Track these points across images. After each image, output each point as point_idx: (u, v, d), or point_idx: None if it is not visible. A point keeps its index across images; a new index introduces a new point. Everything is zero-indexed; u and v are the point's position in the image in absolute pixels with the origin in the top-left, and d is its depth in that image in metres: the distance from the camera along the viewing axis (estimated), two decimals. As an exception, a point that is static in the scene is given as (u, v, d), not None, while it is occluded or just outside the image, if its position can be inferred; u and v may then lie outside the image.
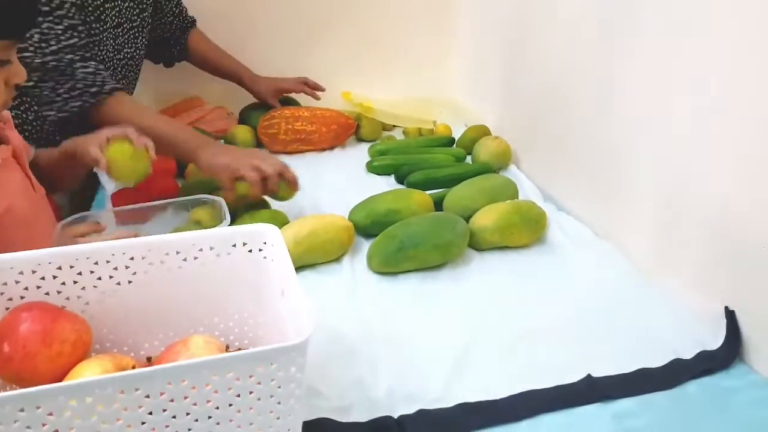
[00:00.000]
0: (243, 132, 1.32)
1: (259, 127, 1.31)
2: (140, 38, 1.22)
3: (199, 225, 0.92)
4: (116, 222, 0.90)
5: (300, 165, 1.27)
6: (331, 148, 1.35)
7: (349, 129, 1.34)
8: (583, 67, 1.07)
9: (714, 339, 0.78)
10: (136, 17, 1.18)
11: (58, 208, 1.16)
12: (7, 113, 0.84)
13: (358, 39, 1.55)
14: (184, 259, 0.65)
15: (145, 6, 1.21)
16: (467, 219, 0.99)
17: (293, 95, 1.48)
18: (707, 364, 0.75)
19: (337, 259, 0.95)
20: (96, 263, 0.62)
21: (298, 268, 0.92)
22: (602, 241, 1.02)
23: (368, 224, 0.99)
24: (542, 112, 1.22)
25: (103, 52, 1.12)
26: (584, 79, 1.07)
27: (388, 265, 0.91)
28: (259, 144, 1.33)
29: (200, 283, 0.66)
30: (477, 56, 1.53)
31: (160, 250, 0.64)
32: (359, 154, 1.35)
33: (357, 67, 1.56)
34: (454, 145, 1.37)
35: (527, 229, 0.98)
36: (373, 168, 1.26)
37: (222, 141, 1.34)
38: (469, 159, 1.31)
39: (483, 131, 1.35)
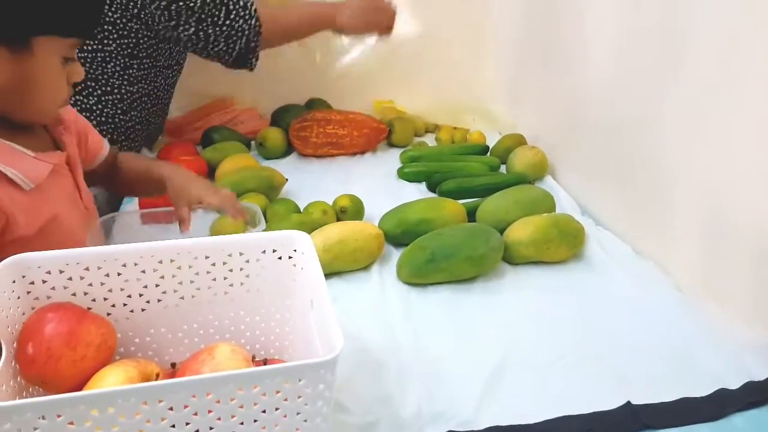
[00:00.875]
0: (274, 134, 1.31)
1: (291, 130, 1.30)
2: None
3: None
4: (143, 223, 0.89)
5: (330, 169, 1.26)
6: (362, 152, 1.33)
7: (380, 134, 1.32)
8: (626, 76, 1.03)
9: (762, 369, 0.74)
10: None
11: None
12: (70, 115, 0.84)
13: (391, 45, 1.53)
14: (213, 264, 0.63)
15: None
16: (501, 231, 0.96)
17: (325, 98, 1.47)
18: (755, 395, 0.71)
19: (366, 268, 0.93)
20: (124, 265, 0.61)
21: (326, 276, 0.89)
22: (643, 260, 0.98)
23: (399, 233, 0.97)
24: (581, 122, 1.18)
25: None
26: (627, 90, 1.03)
27: (418, 276, 0.88)
28: (290, 146, 1.32)
29: (227, 288, 0.64)
30: (512, 63, 1.50)
31: (188, 253, 0.62)
32: (390, 159, 1.32)
33: (389, 73, 1.53)
34: (488, 153, 1.34)
35: (564, 244, 0.94)
36: (404, 174, 1.23)
37: (253, 142, 1.33)
38: (503, 168, 1.27)
39: (518, 140, 1.32)
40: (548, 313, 0.85)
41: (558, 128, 1.28)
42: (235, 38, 1.07)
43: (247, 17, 1.07)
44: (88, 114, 1.09)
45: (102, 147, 0.91)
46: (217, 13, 1.03)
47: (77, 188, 0.82)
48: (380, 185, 1.21)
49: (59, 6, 0.66)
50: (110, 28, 1.05)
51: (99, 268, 0.60)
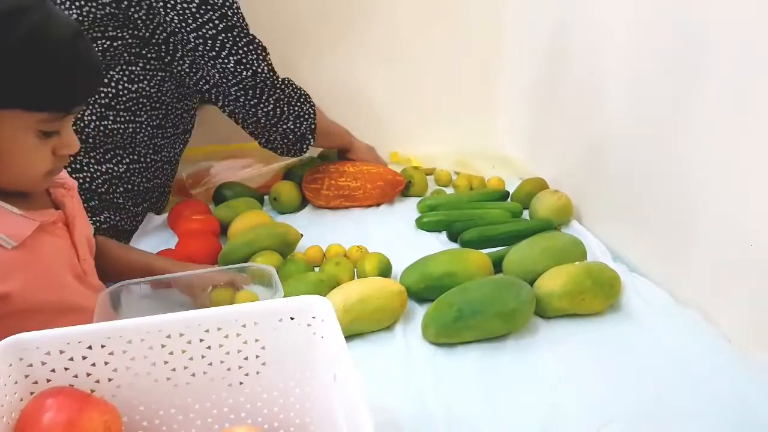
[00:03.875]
0: (288, 188, 1.27)
1: (303, 182, 1.27)
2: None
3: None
4: (152, 289, 0.85)
5: (345, 221, 1.22)
6: (377, 204, 1.28)
7: (396, 186, 1.28)
8: (648, 113, 0.99)
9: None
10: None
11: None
12: (72, 182, 0.82)
13: (403, 97, 1.52)
14: (226, 336, 0.58)
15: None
16: (531, 283, 0.90)
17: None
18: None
19: (389, 327, 0.87)
20: (129, 342, 0.56)
21: (347, 338, 0.84)
22: (685, 308, 0.91)
23: (422, 288, 0.91)
24: (604, 163, 1.13)
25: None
26: (649, 126, 0.99)
27: (445, 336, 0.82)
28: (303, 199, 1.28)
29: (242, 362, 0.59)
30: (528, 106, 1.47)
31: (198, 326, 0.57)
32: (407, 208, 1.28)
33: (403, 124, 1.52)
34: (509, 199, 1.29)
35: (600, 295, 0.88)
36: (422, 224, 1.19)
37: (266, 197, 1.30)
38: (525, 214, 1.22)
39: (540, 184, 1.27)
40: (589, 371, 0.79)
41: (580, 170, 1.23)
42: (302, 119, 1.17)
43: (310, 102, 1.19)
44: (117, 181, 1.10)
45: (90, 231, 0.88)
46: (292, 93, 1.15)
47: (75, 250, 0.79)
48: (399, 236, 1.16)
49: (20, 80, 0.63)
50: (145, 101, 1.07)
51: (103, 346, 0.55)
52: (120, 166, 1.10)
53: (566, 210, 1.18)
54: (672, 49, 0.92)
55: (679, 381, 0.77)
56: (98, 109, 1.04)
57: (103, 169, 1.08)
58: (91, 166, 1.07)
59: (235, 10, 1.04)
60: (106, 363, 0.56)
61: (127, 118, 1.07)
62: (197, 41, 1.02)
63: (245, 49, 1.05)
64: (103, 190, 1.09)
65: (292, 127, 1.16)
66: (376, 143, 1.39)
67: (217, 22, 1.01)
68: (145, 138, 1.11)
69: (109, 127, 1.06)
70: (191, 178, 1.35)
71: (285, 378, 0.60)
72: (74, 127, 0.77)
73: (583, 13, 1.18)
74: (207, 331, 0.57)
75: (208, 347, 0.58)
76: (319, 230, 1.15)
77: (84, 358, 0.55)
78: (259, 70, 1.06)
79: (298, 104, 1.16)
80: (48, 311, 0.75)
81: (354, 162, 1.28)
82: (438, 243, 1.13)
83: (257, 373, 0.59)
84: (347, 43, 1.47)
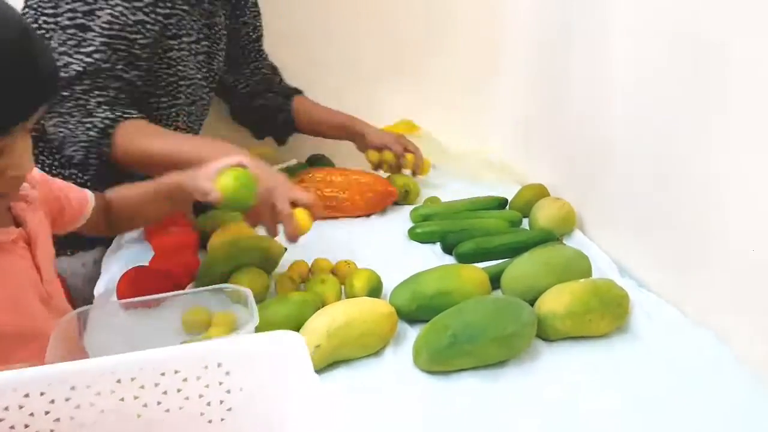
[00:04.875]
0: (272, 196, 1.20)
1: (290, 191, 1.19)
2: (204, 117, 1.19)
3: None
4: (124, 311, 0.77)
5: (332, 232, 1.14)
6: (368, 215, 1.21)
7: (387, 198, 1.21)
8: (657, 113, 0.92)
9: None
10: (206, 96, 1.16)
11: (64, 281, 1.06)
12: (41, 189, 0.76)
13: (394, 98, 1.45)
14: (184, 380, 0.51)
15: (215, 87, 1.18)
16: (531, 301, 0.83)
17: (328, 155, 1.37)
18: None
19: (378, 353, 0.80)
20: (72, 388, 0.49)
21: (332, 365, 0.78)
22: (696, 327, 0.84)
23: (414, 309, 0.84)
24: (609, 168, 1.06)
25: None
26: (658, 128, 0.92)
27: (439, 363, 0.75)
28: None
29: (204, 408, 0.52)
30: (525, 106, 1.40)
31: (153, 369, 0.50)
32: (399, 217, 1.20)
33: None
34: (507, 207, 1.22)
35: (607, 315, 0.81)
36: (415, 235, 1.11)
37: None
38: (525, 223, 1.15)
39: (540, 191, 1.20)
40: (597, 400, 0.72)
41: (583, 176, 1.16)
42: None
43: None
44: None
45: (87, 200, 0.84)
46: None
47: (37, 271, 0.72)
48: (390, 249, 1.09)
49: None
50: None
51: (42, 393, 0.48)
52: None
53: (569, 219, 1.11)
54: (678, 50, 0.85)
55: (691, 407, 0.70)
56: None
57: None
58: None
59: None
60: (46, 413, 0.49)
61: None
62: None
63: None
64: None
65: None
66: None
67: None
68: None
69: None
70: None
71: (254, 426, 0.53)
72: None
73: (583, 14, 1.11)
74: (163, 374, 0.50)
75: (165, 392, 0.51)
76: (304, 242, 1.08)
77: (21, 407, 0.48)
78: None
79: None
80: (6, 339, 0.68)
81: (344, 170, 1.21)
82: (432, 255, 1.06)
83: (221, 420, 0.52)
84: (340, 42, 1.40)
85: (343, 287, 0.91)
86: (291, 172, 1.25)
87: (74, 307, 1.05)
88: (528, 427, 0.68)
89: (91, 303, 0.93)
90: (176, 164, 0.84)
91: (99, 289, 0.95)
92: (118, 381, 0.49)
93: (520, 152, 1.42)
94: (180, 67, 1.05)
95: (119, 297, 0.89)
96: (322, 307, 0.82)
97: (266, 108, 1.30)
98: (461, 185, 1.33)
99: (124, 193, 0.88)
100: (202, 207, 1.17)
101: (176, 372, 0.50)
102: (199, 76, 1.10)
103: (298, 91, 1.32)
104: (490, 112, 1.49)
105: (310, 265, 0.98)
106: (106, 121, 0.91)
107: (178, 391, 0.51)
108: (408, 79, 1.46)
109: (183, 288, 0.96)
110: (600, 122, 1.07)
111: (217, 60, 1.15)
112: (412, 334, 0.83)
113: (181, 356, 0.50)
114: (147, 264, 0.98)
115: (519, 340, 0.76)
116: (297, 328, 0.79)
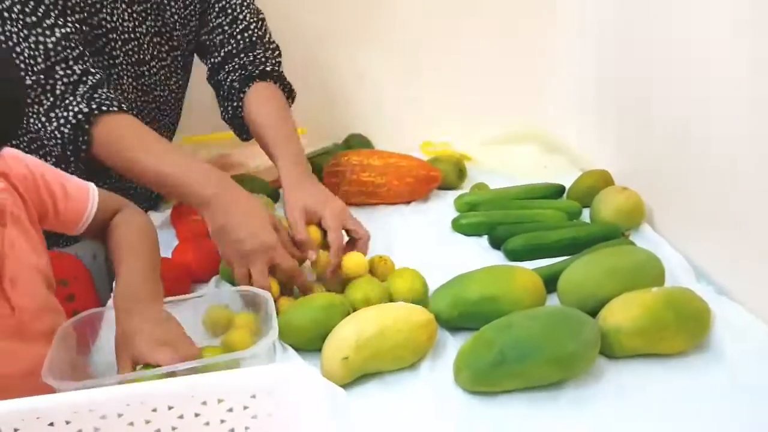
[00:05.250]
0: (306, 181, 1.11)
1: (324, 174, 1.10)
2: (174, 79, 1.04)
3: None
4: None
5: (368, 221, 1.04)
6: (407, 202, 1.10)
7: (430, 183, 1.10)
8: (750, 93, 0.77)
9: None
10: (166, 55, 1.00)
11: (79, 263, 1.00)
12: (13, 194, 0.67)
13: (441, 78, 1.32)
14: (180, 417, 0.42)
15: (177, 44, 1.01)
16: (592, 312, 0.71)
17: (366, 134, 1.27)
18: None
19: (413, 366, 0.71)
20: (51, 424, 0.41)
21: (359, 379, 0.69)
22: (792, 347, 0.71)
23: (455, 316, 0.74)
24: (686, 153, 0.91)
25: (124, 93, 0.95)
26: (751, 103, 0.77)
27: (483, 383, 0.65)
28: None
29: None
30: (587, 81, 1.25)
31: (141, 404, 0.42)
32: (443, 205, 1.10)
33: (440, 110, 1.32)
34: (564, 196, 1.09)
35: (684, 332, 0.69)
36: (459, 227, 1.01)
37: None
38: (585, 215, 1.03)
39: (603, 179, 1.06)
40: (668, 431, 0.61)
41: (655, 162, 1.02)
42: None
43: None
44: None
45: (88, 198, 0.74)
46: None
47: (4, 296, 0.64)
48: (430, 242, 0.98)
49: None
50: None
51: (15, 430, 0.41)
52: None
53: (636, 212, 0.98)
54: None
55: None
56: None
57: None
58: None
59: None
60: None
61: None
62: None
63: None
64: None
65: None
66: (402, 130, 1.21)
67: None
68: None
69: None
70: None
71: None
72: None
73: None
74: (154, 410, 0.42)
75: (158, 431, 0.42)
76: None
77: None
78: None
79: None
80: None
81: (382, 153, 1.10)
82: (479, 250, 0.96)
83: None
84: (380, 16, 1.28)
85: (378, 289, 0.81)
86: (326, 156, 1.15)
87: (96, 295, 1.00)
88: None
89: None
90: (161, 186, 0.83)
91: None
92: (103, 417, 0.42)
93: (580, 133, 1.27)
94: (104, 17, 0.90)
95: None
96: (352, 312, 0.73)
97: (220, 88, 1.03)
98: (512, 170, 1.20)
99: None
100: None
101: (170, 408, 0.42)
102: (141, 30, 0.95)
103: (267, 75, 1.00)
104: (547, 88, 1.35)
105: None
106: (80, 116, 0.81)
107: (173, 429, 0.42)
108: (459, 56, 1.32)
109: (205, 281, 0.89)
110: (680, 100, 0.93)
111: (171, 11, 0.97)
112: (452, 344, 0.73)
113: (175, 392, 0.42)
114: (170, 255, 0.92)
115: (579, 361, 0.65)
116: (323, 336, 0.70)
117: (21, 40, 0.81)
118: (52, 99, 0.82)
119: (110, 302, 0.83)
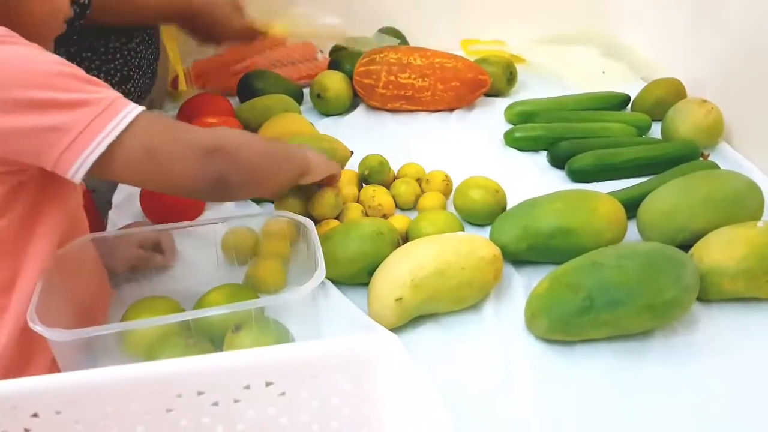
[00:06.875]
0: (336, 82, 0.97)
1: (355, 74, 0.96)
2: None
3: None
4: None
5: (404, 132, 0.92)
6: (451, 109, 0.97)
7: (478, 88, 0.95)
8: None
9: None
10: None
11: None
12: None
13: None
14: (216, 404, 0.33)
15: None
16: (683, 247, 0.61)
17: (400, 28, 1.10)
18: None
19: (475, 307, 0.61)
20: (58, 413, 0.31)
21: (415, 320, 0.59)
22: None
23: (523, 249, 0.64)
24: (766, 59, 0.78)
25: None
26: None
27: (564, 332, 0.56)
28: (355, 96, 0.98)
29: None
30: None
31: (185, 385, 0.31)
32: (491, 115, 0.97)
33: (485, 2, 1.14)
34: (629, 107, 0.96)
35: (795, 276, 0.59)
36: (513, 141, 0.88)
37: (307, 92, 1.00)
38: (655, 130, 0.90)
39: (675, 89, 0.93)
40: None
41: (732, 69, 0.88)
42: None
43: None
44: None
45: None
46: None
47: None
48: (479, 157, 0.86)
49: None
50: None
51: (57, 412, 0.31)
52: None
53: (716, 128, 0.86)
54: None
55: None
56: None
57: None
58: None
59: None
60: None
61: None
62: None
63: None
64: None
65: None
66: (440, 26, 1.04)
67: None
68: None
69: None
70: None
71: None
72: None
73: None
74: (200, 393, 0.32)
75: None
76: (372, 142, 0.86)
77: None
78: None
79: None
80: None
81: (424, 51, 0.95)
82: (535, 168, 0.84)
83: None
84: None
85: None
86: (358, 52, 0.99)
87: (97, 215, 0.89)
88: (680, 418, 0.50)
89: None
90: None
91: (118, 197, 0.77)
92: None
93: (646, 35, 1.11)
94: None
95: (143, 208, 0.72)
96: (401, 243, 0.63)
97: None
98: (566, 75, 1.06)
99: None
100: (248, 91, 0.96)
101: (206, 391, 0.32)
102: None
103: None
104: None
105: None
106: None
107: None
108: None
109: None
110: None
111: None
112: (519, 280, 0.64)
113: (224, 369, 0.32)
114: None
115: (677, 308, 0.56)
116: (371, 269, 0.60)
117: None
118: None
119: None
